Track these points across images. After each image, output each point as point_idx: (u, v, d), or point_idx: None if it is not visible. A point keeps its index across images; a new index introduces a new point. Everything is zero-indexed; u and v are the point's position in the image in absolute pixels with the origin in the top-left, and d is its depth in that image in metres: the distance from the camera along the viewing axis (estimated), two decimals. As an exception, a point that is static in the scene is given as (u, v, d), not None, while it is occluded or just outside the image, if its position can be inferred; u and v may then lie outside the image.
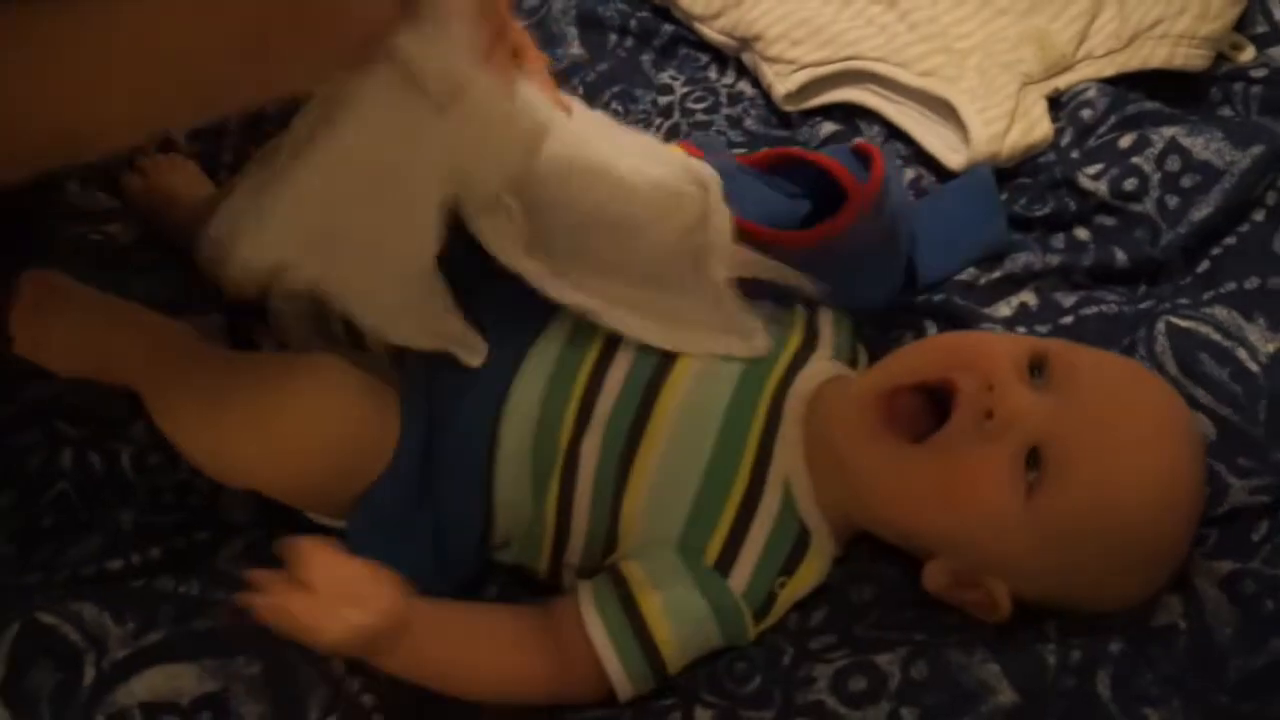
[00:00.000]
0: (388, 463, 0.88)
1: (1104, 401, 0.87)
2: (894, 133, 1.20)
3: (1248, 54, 1.22)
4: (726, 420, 0.91)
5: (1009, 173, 1.15)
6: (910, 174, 1.17)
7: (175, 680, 0.86)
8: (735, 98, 1.26)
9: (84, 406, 0.99)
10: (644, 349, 0.92)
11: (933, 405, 0.89)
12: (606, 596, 0.88)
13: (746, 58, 1.27)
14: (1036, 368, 0.88)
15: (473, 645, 0.87)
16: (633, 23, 1.32)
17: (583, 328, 0.92)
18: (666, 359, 0.92)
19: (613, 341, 0.93)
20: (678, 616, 0.87)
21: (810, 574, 0.91)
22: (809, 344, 0.97)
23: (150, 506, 0.96)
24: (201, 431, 0.87)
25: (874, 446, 0.88)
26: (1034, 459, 0.85)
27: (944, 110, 1.18)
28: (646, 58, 1.30)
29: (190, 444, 0.88)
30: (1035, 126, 1.16)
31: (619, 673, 0.87)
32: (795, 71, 1.23)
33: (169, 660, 0.86)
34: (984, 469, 0.85)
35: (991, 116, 1.15)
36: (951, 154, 1.17)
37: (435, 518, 0.90)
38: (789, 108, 1.23)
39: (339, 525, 0.90)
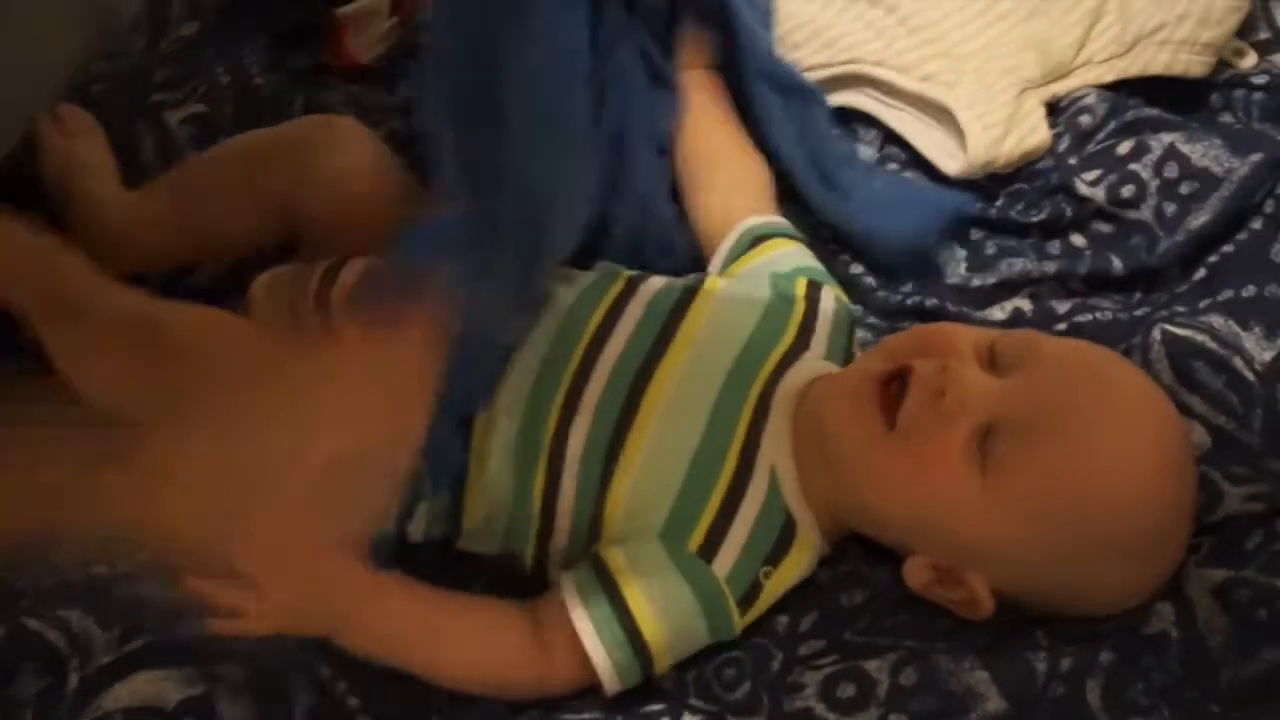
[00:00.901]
0: None
1: (1064, 383, 0.88)
2: (892, 137, 1.20)
3: (1249, 60, 1.21)
4: (715, 411, 0.91)
5: (1006, 178, 1.15)
6: (909, 177, 1.17)
7: (158, 685, 0.86)
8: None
9: None
10: (635, 338, 0.93)
11: None
12: (589, 583, 0.88)
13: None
14: (999, 353, 0.90)
15: (448, 623, 0.88)
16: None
17: (575, 319, 0.94)
18: (657, 348, 0.93)
19: (602, 332, 0.94)
20: (661, 601, 0.87)
21: (796, 566, 0.91)
22: (801, 343, 0.97)
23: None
24: None
25: (851, 429, 0.90)
26: (989, 440, 0.86)
27: (942, 116, 1.18)
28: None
29: None
30: (1033, 133, 1.16)
31: (604, 660, 0.87)
32: (794, 75, 1.23)
33: (153, 666, 0.86)
34: (937, 449, 0.86)
35: (989, 122, 1.15)
36: (948, 160, 1.17)
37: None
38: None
39: None
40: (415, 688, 0.89)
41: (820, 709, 0.85)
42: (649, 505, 0.90)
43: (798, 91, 1.14)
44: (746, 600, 0.90)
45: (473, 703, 0.89)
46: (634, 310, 0.96)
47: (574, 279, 0.99)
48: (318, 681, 0.88)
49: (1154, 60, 1.19)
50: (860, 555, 0.94)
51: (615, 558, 0.88)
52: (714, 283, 1.00)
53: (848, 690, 0.85)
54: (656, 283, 0.99)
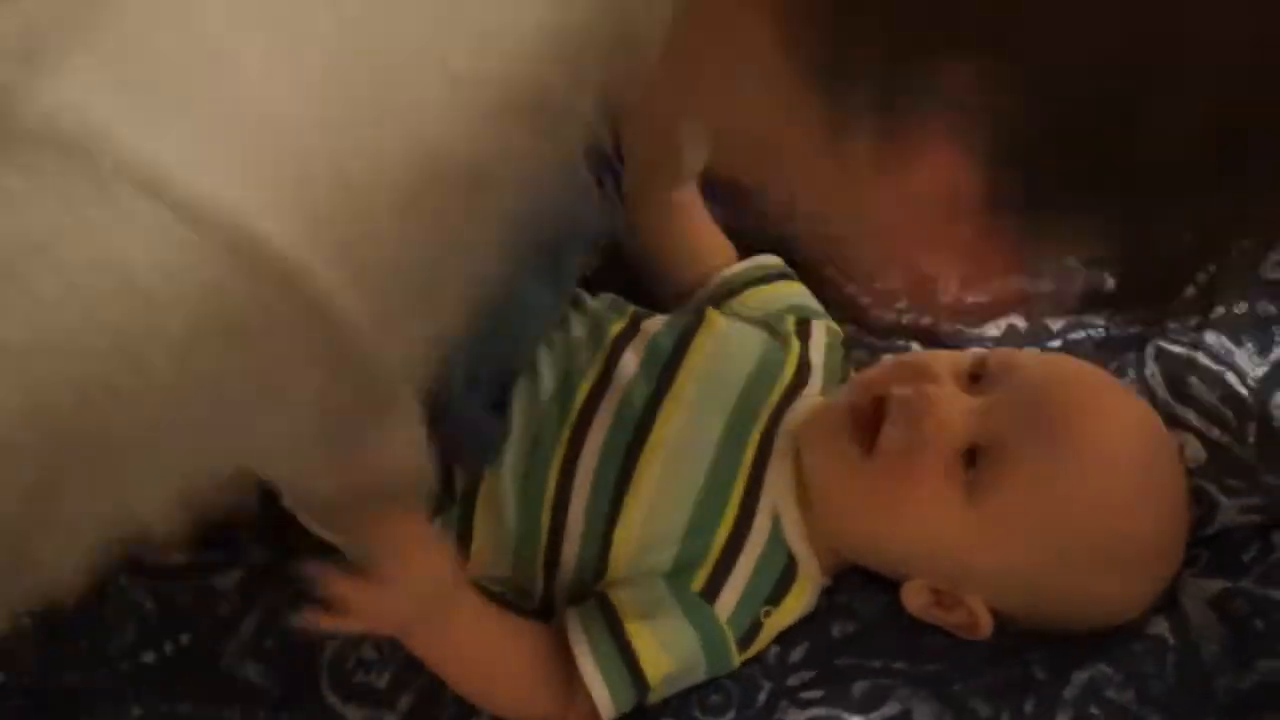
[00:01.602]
0: None
1: (1044, 397, 0.89)
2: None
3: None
4: (718, 454, 0.92)
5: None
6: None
7: None
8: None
9: None
10: (638, 379, 0.94)
11: None
12: (594, 623, 0.88)
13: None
14: (978, 375, 0.90)
15: (502, 646, 0.89)
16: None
17: (579, 356, 0.95)
18: (660, 389, 0.94)
19: (606, 371, 0.94)
20: (664, 643, 0.88)
21: (797, 604, 0.92)
22: (800, 378, 0.98)
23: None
24: None
25: (826, 460, 0.91)
26: (972, 460, 0.87)
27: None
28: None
29: None
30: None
31: (605, 700, 0.87)
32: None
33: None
34: (919, 472, 0.87)
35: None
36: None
37: None
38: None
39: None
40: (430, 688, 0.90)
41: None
42: (654, 547, 0.91)
43: None
44: (746, 640, 0.91)
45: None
46: (637, 347, 0.96)
47: (582, 305, 1.00)
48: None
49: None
50: (856, 585, 0.95)
51: (622, 599, 0.89)
52: (714, 317, 1.00)
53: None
54: (659, 320, 0.99)
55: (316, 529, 0.91)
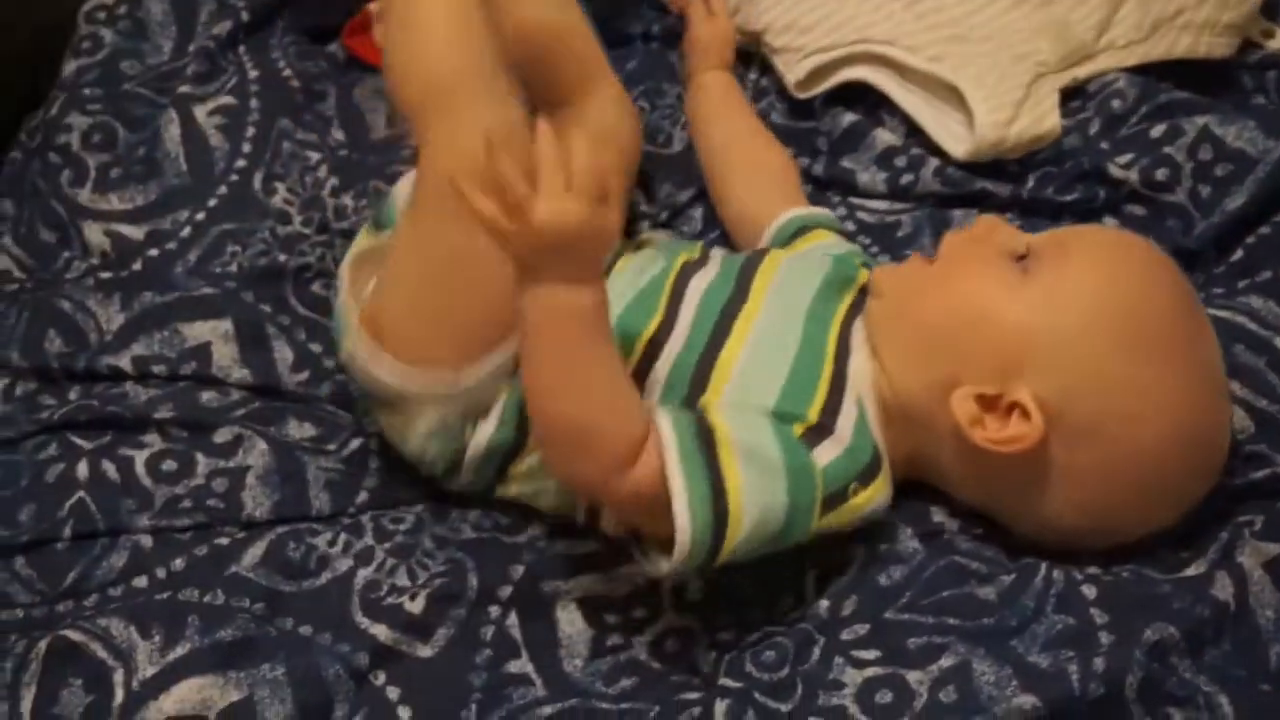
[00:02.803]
0: None
1: (1093, 244, 0.95)
2: (917, 126, 1.19)
3: (1278, 40, 1.21)
4: (805, 331, 0.95)
5: (1033, 162, 1.15)
6: (935, 163, 1.17)
7: (202, 693, 0.85)
8: (761, 93, 1.25)
9: (95, 420, 1.00)
10: (716, 282, 0.98)
11: None
12: (685, 423, 0.86)
13: (764, 52, 1.26)
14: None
15: (600, 364, 0.86)
16: (655, 28, 1.32)
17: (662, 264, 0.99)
18: (736, 297, 0.96)
19: (703, 259, 1.01)
20: (751, 458, 0.85)
21: (878, 494, 0.91)
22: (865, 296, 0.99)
23: (168, 512, 0.96)
24: None
25: (894, 277, 0.97)
26: (1026, 260, 0.92)
27: (955, 99, 1.18)
28: (674, 55, 1.29)
29: None
30: (1044, 119, 1.15)
31: (685, 513, 0.83)
32: (804, 58, 1.22)
33: (195, 673, 0.86)
34: (974, 253, 0.93)
35: (997, 104, 1.15)
36: (957, 145, 1.17)
37: None
38: (800, 94, 1.23)
39: None
40: (453, 678, 0.89)
41: (854, 710, 0.83)
42: (755, 386, 0.91)
43: None
44: (831, 502, 0.89)
45: (507, 696, 0.88)
46: (712, 265, 1.00)
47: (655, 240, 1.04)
48: (358, 674, 0.88)
49: (1176, 43, 1.19)
50: (894, 526, 0.93)
51: (718, 418, 0.87)
52: (776, 254, 1.02)
53: (885, 697, 0.83)
54: (722, 251, 1.04)
55: None
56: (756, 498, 0.84)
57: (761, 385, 0.91)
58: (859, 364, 0.94)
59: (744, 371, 0.92)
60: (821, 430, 0.90)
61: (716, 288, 0.97)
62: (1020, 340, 0.89)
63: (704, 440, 0.85)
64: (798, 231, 1.07)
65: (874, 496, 0.90)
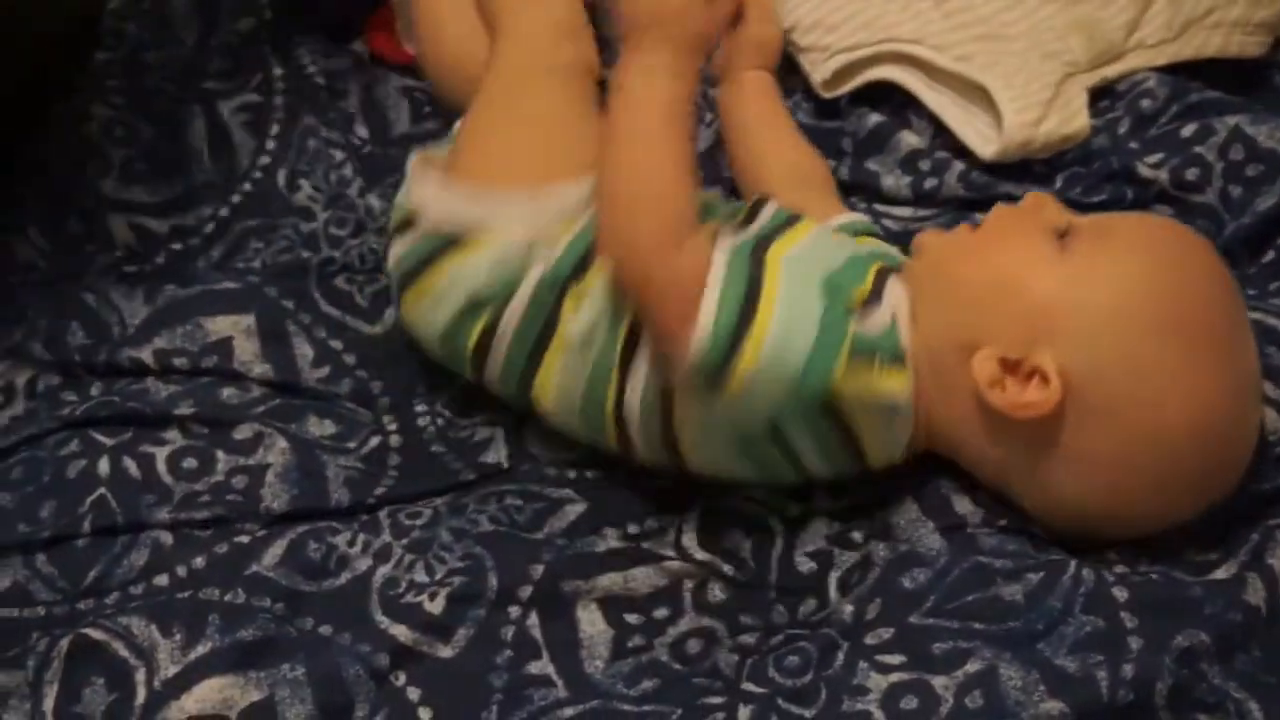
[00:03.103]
0: None
1: (1137, 227, 0.96)
2: (944, 127, 1.19)
3: (1311, 39, 1.20)
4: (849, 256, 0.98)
5: (1061, 162, 1.14)
6: (959, 167, 1.17)
7: (223, 692, 0.85)
8: (786, 93, 1.24)
9: (116, 416, 1.00)
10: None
11: None
12: (742, 242, 0.92)
13: (790, 50, 1.26)
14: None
15: (677, 150, 0.92)
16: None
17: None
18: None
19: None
20: (793, 278, 0.90)
21: (899, 386, 0.91)
22: None
23: (187, 507, 0.96)
24: None
25: (943, 238, 0.99)
26: (1067, 237, 0.92)
27: (982, 99, 1.17)
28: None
29: None
30: (1073, 119, 1.15)
31: (716, 284, 0.88)
32: (830, 57, 1.22)
33: (217, 673, 0.86)
34: (1015, 224, 0.95)
35: (1025, 104, 1.14)
36: (985, 145, 1.16)
37: None
38: (827, 94, 1.22)
39: None
40: (473, 679, 0.88)
41: (879, 716, 0.82)
42: (810, 265, 0.94)
43: None
44: (855, 360, 0.90)
45: (528, 697, 0.88)
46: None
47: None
48: (379, 674, 0.88)
49: (1207, 43, 1.18)
50: (914, 518, 0.93)
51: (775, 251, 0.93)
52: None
53: (910, 703, 0.83)
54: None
55: None
56: (787, 313, 0.89)
57: (812, 268, 0.94)
58: (896, 286, 0.95)
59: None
60: (864, 309, 0.92)
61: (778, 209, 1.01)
62: (1049, 310, 0.89)
63: (756, 258, 0.91)
64: None
65: (895, 386, 0.90)
